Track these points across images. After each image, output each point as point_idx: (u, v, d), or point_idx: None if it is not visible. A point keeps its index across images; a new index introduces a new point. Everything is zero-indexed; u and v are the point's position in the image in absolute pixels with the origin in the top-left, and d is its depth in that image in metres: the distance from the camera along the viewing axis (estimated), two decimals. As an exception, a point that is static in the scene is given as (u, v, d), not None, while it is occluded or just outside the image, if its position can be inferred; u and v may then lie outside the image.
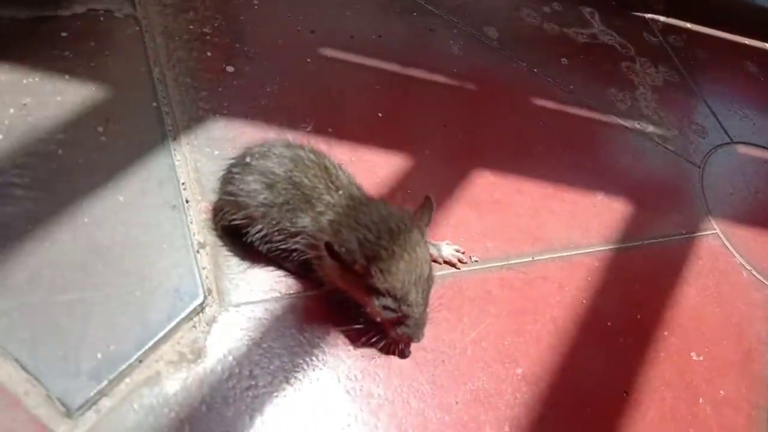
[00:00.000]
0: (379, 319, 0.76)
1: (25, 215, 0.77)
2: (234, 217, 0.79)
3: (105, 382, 0.69)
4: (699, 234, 1.12)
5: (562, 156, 1.14)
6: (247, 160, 0.79)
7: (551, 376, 0.86)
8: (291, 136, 0.89)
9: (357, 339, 0.80)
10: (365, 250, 0.71)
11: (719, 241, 1.12)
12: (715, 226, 1.14)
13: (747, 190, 1.24)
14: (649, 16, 1.54)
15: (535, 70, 1.27)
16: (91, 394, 0.68)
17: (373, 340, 0.78)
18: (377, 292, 0.73)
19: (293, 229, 0.78)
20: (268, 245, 0.80)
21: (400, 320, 0.75)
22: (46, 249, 0.76)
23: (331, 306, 0.82)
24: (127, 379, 0.70)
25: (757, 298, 1.06)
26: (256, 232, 0.79)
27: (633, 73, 1.37)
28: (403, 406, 0.78)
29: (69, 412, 0.66)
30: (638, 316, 0.97)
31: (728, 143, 1.31)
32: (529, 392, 0.84)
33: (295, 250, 0.79)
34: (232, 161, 0.82)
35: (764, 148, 1.34)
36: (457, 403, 0.80)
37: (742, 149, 1.32)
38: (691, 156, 1.25)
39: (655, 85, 1.36)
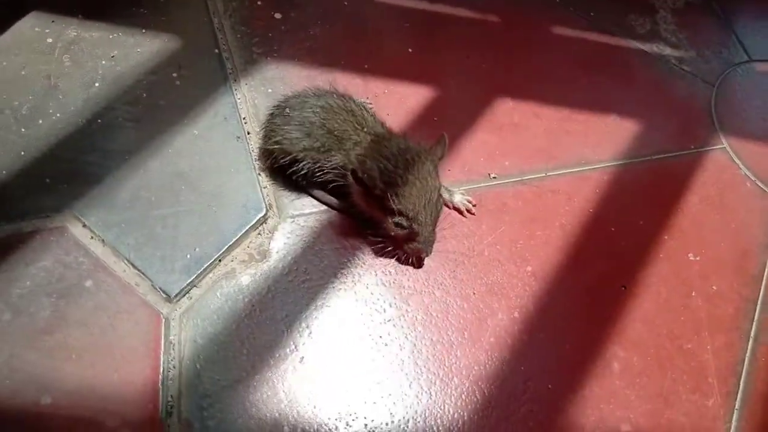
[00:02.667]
0: (393, 234, 0.92)
1: (123, 147, 0.96)
2: (282, 161, 0.96)
3: (194, 276, 0.89)
4: (707, 148, 1.21)
5: (579, 81, 1.25)
6: (287, 111, 0.95)
7: (557, 273, 1.01)
8: (331, 74, 1.05)
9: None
10: (384, 177, 0.87)
11: (726, 155, 1.21)
12: (723, 141, 1.23)
13: (762, 106, 1.31)
14: (676, -63, 1.57)
15: (557, 0, 1.36)
16: (184, 285, 0.88)
17: (390, 251, 0.95)
18: (392, 212, 0.88)
19: (329, 166, 0.94)
20: (308, 180, 0.97)
21: (411, 237, 0.90)
22: (141, 174, 0.95)
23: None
24: (210, 274, 0.90)
25: (758, 205, 1.16)
26: (299, 171, 0.95)
27: (654, -3, 1.43)
28: (429, 295, 0.95)
29: (169, 298, 0.87)
30: (641, 222, 1.09)
31: (747, 61, 1.37)
32: (537, 286, 0.99)
33: (331, 181, 0.95)
34: (273, 111, 0.98)
35: (784, 65, 1.39)
36: (474, 293, 0.97)
37: (761, 67, 1.37)
38: (707, 75, 1.32)
39: (676, 8, 1.42)
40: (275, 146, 0.95)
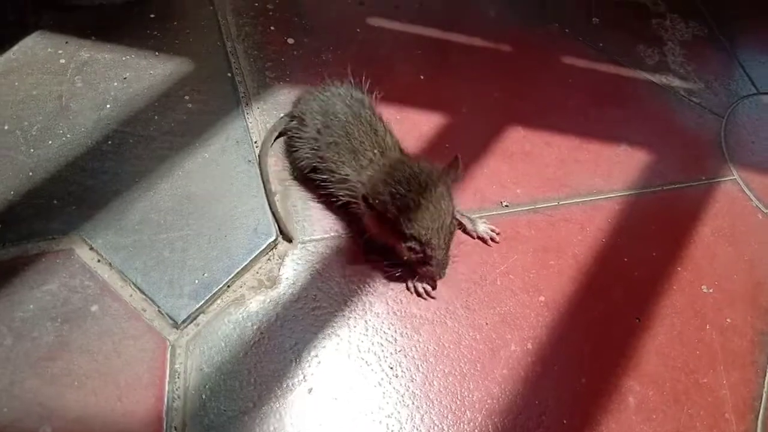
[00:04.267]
0: (406, 258, 0.90)
1: (133, 169, 0.95)
2: (297, 142, 0.97)
3: (202, 302, 0.87)
4: (717, 179, 1.21)
5: (589, 110, 1.25)
6: (319, 91, 0.97)
7: (570, 304, 0.99)
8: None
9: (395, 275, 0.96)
10: (396, 202, 0.85)
11: (737, 186, 1.21)
12: (734, 172, 1.23)
13: (770, 138, 1.32)
14: (683, -29, 1.59)
15: (567, 30, 1.37)
16: (192, 311, 0.86)
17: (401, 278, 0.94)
18: (405, 237, 0.87)
19: (338, 176, 0.93)
20: (325, 191, 0.96)
21: (425, 261, 0.89)
22: (151, 197, 0.94)
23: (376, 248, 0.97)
24: (219, 300, 0.88)
25: (771, 238, 1.15)
26: (318, 177, 0.95)
27: (662, 29, 1.44)
28: (441, 325, 0.93)
29: (176, 324, 0.85)
30: (654, 254, 1.08)
31: (754, 94, 1.38)
32: (550, 317, 0.97)
33: (342, 195, 0.94)
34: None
35: (792, 98, 1.39)
36: (486, 324, 0.95)
37: (768, 100, 1.38)
38: (716, 107, 1.33)
39: (684, 40, 1.43)
40: (296, 112, 0.97)
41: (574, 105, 1.25)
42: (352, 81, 1.01)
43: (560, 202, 1.10)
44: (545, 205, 1.09)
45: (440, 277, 0.92)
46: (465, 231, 1.02)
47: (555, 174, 1.13)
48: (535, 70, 1.29)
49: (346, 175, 0.92)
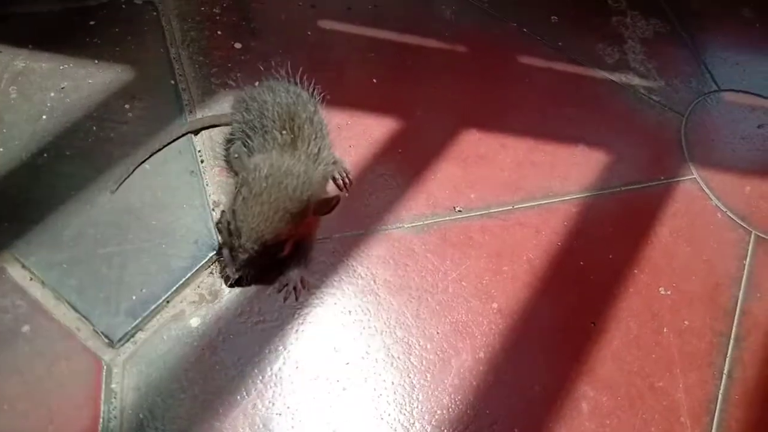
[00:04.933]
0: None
1: (69, 183, 0.92)
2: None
3: (139, 319, 0.84)
4: (677, 179, 1.20)
5: (546, 111, 1.23)
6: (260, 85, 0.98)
7: (524, 310, 0.97)
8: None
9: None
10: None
11: (696, 186, 1.20)
12: (693, 171, 1.22)
13: (730, 136, 1.30)
14: (643, -32, 1.58)
15: (525, 30, 1.35)
16: (129, 328, 0.83)
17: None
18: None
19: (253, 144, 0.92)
20: None
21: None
22: (88, 210, 0.91)
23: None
24: (158, 316, 0.86)
25: (730, 237, 1.14)
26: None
27: (623, 27, 1.43)
28: (391, 335, 0.91)
29: (112, 343, 0.82)
30: (610, 256, 1.06)
31: (715, 91, 1.37)
32: (503, 324, 0.96)
33: None
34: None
35: (752, 94, 1.38)
36: (438, 333, 0.93)
37: (730, 96, 1.37)
38: (676, 105, 1.31)
39: (645, 37, 1.42)
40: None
41: (532, 105, 1.23)
42: (296, 80, 0.99)
43: (515, 206, 1.08)
44: (499, 209, 1.07)
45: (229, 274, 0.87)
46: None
47: (510, 177, 1.11)
48: (492, 71, 1.27)
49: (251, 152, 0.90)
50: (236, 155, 0.88)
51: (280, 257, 0.88)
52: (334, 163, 1.00)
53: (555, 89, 1.27)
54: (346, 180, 1.02)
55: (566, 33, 1.37)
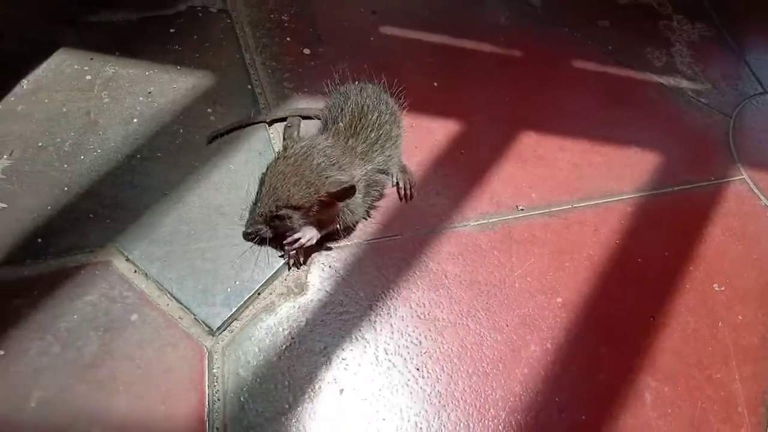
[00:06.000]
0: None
1: (162, 182, 0.99)
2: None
3: (234, 309, 0.90)
4: (726, 180, 1.24)
5: (600, 113, 1.28)
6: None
7: (587, 304, 1.03)
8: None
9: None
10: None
11: (746, 186, 1.24)
12: (743, 172, 1.26)
13: (777, 137, 1.34)
14: (688, -28, 1.62)
15: (576, 34, 1.40)
16: (226, 318, 0.89)
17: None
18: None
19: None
20: None
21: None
22: (180, 208, 0.97)
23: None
24: (251, 307, 0.92)
25: (779, 236, 1.19)
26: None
27: (669, 31, 1.47)
28: (463, 328, 0.97)
29: (212, 331, 0.88)
30: (666, 253, 1.11)
31: (761, 93, 1.40)
32: (567, 317, 1.01)
33: None
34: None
35: (797, 96, 1.42)
36: (507, 325, 0.98)
37: (775, 98, 1.41)
38: (724, 107, 1.35)
39: (691, 40, 1.46)
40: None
41: (585, 108, 1.28)
42: (387, 89, 1.08)
43: (574, 205, 1.13)
44: (559, 208, 1.12)
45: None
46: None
47: (568, 177, 1.16)
48: (546, 74, 1.31)
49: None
50: (290, 125, 1.01)
51: (292, 226, 0.92)
52: (403, 172, 1.06)
53: (607, 92, 1.32)
54: (408, 192, 1.07)
55: (615, 37, 1.41)
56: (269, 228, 0.93)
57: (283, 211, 0.90)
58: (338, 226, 0.96)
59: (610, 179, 1.18)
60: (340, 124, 0.97)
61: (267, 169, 0.93)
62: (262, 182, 0.93)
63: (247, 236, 0.95)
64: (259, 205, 0.92)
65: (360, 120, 0.99)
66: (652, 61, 1.40)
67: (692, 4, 1.54)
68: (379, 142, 1.00)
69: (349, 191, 0.89)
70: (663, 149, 1.25)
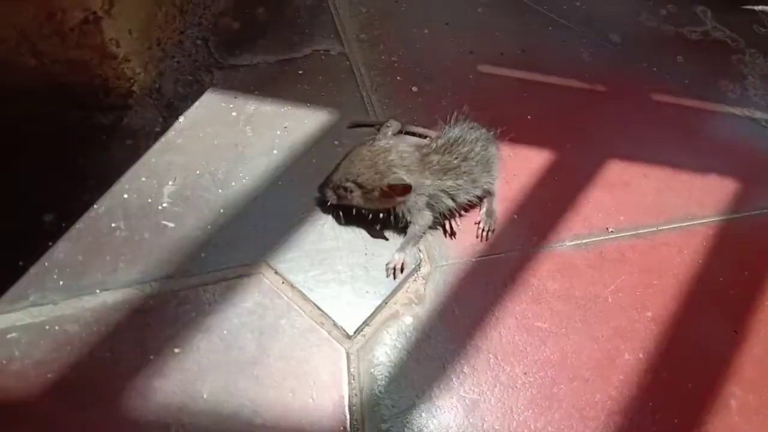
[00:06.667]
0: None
1: (301, 207, 1.14)
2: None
3: (367, 316, 1.05)
4: (803, 204, 1.33)
5: (679, 143, 1.38)
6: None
7: (674, 319, 1.13)
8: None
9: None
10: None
11: (822, 210, 1.33)
12: (819, 195, 1.34)
13: None
14: (759, 8, 1.71)
15: (654, 69, 1.51)
16: (359, 324, 1.04)
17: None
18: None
19: None
20: None
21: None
22: (314, 229, 1.12)
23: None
24: (379, 315, 1.06)
25: None
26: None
27: (742, 64, 1.57)
28: (563, 337, 1.08)
29: (348, 336, 1.02)
30: (745, 273, 1.20)
31: (833, 123, 1.49)
32: (656, 330, 1.11)
33: None
34: None
35: None
36: (602, 336, 1.10)
37: None
38: (797, 136, 1.45)
39: (764, 73, 1.55)
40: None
41: (666, 138, 1.39)
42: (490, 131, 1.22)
43: (659, 228, 1.24)
44: (646, 230, 1.23)
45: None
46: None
47: (653, 202, 1.27)
48: (628, 106, 1.43)
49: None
50: (389, 125, 1.18)
51: (351, 201, 1.09)
52: (488, 216, 1.18)
53: (685, 123, 1.42)
54: (485, 234, 1.17)
55: (691, 71, 1.52)
56: (335, 195, 1.10)
57: (348, 184, 1.07)
58: (391, 218, 1.11)
59: (691, 204, 1.29)
60: (435, 142, 1.14)
61: (353, 148, 1.10)
62: (344, 157, 1.10)
63: (317, 199, 1.13)
64: (334, 173, 1.09)
65: (452, 146, 1.14)
66: (726, 94, 1.50)
67: (763, 39, 1.64)
68: (457, 171, 1.13)
69: (405, 189, 1.05)
70: (740, 176, 1.35)
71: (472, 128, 1.17)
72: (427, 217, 1.12)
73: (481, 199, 1.19)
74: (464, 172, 1.14)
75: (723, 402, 1.06)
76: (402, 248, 1.10)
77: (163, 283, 1.02)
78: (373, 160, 1.06)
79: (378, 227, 1.14)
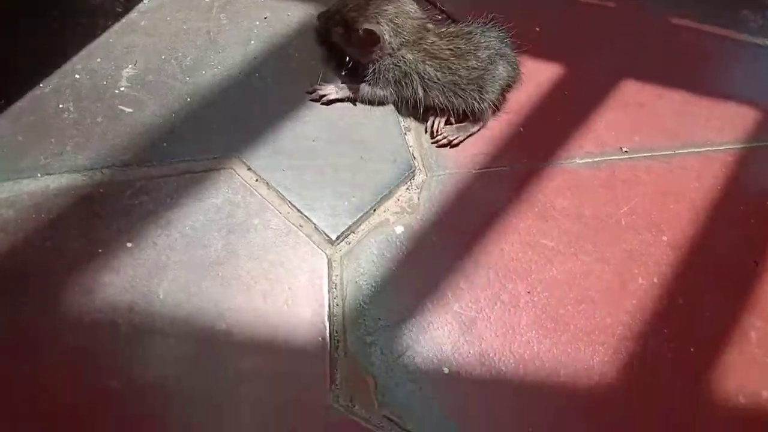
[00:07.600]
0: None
1: (280, 99, 1.01)
2: None
3: (351, 222, 0.92)
4: (824, 134, 1.23)
5: (697, 68, 1.27)
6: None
7: (691, 245, 1.02)
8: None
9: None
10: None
11: (844, 140, 1.22)
12: (841, 128, 1.24)
13: None
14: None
15: (671, -7, 1.39)
16: (344, 229, 0.91)
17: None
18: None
19: None
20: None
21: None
22: (297, 125, 0.99)
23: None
24: (366, 222, 0.93)
25: None
26: None
27: (765, -6, 1.46)
28: (572, 257, 0.97)
29: (331, 240, 0.90)
30: (767, 203, 1.11)
31: None
32: (672, 255, 1.00)
33: None
34: None
35: None
36: (614, 258, 0.98)
37: None
38: (820, 65, 1.34)
39: (787, 4, 1.45)
40: None
41: (683, 62, 1.27)
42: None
43: (676, 151, 1.13)
44: (662, 153, 1.12)
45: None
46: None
47: (669, 125, 1.16)
48: (646, 29, 1.31)
49: None
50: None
51: (336, 40, 1.04)
52: (473, 115, 1.05)
53: (703, 48, 1.31)
54: (437, 135, 1.05)
55: (712, -1, 1.41)
56: (324, 28, 1.05)
57: (337, 17, 1.01)
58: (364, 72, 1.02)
59: (709, 129, 1.17)
60: (446, 26, 1.04)
61: None
62: None
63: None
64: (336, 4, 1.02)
65: (455, 38, 1.02)
66: (748, 23, 1.38)
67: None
68: (443, 63, 1.01)
69: (373, 38, 0.97)
70: (760, 105, 1.24)
71: (493, 37, 1.04)
72: (385, 92, 1.02)
73: (465, 115, 1.05)
74: (449, 69, 1.00)
75: (742, 333, 0.95)
76: (339, 87, 1.02)
77: (116, 171, 0.88)
78: (369, 4, 0.98)
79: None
